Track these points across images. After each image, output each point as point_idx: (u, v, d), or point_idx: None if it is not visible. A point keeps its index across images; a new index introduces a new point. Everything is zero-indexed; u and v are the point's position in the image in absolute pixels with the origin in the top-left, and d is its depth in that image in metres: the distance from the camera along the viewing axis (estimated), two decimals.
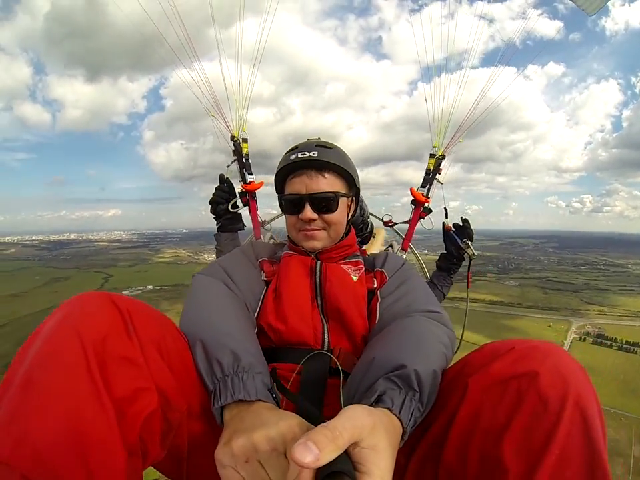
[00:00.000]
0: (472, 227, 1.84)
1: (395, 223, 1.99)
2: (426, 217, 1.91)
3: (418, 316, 0.93)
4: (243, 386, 0.70)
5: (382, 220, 1.99)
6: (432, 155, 1.90)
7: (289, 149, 1.21)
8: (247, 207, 1.76)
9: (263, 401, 0.70)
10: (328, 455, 0.45)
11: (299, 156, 1.13)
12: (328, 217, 1.14)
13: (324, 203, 1.13)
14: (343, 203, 1.17)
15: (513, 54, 1.87)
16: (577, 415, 0.55)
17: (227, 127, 1.74)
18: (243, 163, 1.74)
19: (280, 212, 1.75)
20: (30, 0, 63.23)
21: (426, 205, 1.90)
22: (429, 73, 1.92)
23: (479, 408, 0.63)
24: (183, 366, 0.75)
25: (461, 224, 1.83)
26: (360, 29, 63.42)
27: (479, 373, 0.67)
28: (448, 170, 1.94)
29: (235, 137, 1.73)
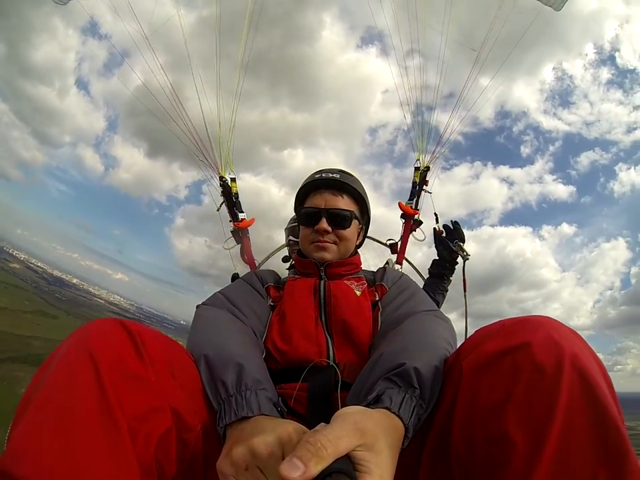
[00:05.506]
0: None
1: (397, 242, 1.94)
2: (417, 229, 1.94)
3: (418, 315, 0.98)
4: (245, 403, 0.70)
5: (386, 244, 1.94)
6: (416, 169, 1.95)
7: (314, 172, 1.35)
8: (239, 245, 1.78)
9: (266, 415, 0.70)
10: (314, 469, 0.45)
11: (323, 176, 1.28)
12: (341, 232, 1.25)
13: (339, 219, 1.24)
14: (354, 224, 1.28)
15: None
16: (576, 376, 0.54)
17: (214, 168, 1.75)
18: (233, 202, 1.77)
19: (273, 250, 1.79)
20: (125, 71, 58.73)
21: (415, 217, 1.93)
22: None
23: (477, 389, 0.62)
24: (195, 387, 0.76)
25: (451, 226, 1.82)
26: (394, 177, 62.16)
27: (472, 355, 0.66)
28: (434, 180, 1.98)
29: (222, 177, 1.75)
